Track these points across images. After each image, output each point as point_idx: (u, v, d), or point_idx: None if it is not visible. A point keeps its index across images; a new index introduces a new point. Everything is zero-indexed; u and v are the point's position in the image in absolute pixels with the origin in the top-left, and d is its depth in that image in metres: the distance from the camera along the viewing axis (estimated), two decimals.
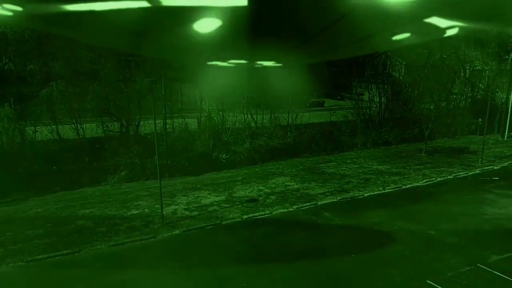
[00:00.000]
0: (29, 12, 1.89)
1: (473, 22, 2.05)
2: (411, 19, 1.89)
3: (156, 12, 1.78)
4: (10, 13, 1.95)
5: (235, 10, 1.70)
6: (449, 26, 2.06)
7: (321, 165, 30.16)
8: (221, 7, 1.69)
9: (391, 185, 25.59)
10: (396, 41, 2.35)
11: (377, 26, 1.96)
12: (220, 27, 1.91)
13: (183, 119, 30.22)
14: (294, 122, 33.99)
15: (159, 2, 1.70)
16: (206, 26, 1.93)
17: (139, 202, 22.06)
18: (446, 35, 2.31)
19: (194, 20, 1.87)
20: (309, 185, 25.35)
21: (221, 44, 2.32)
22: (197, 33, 2.04)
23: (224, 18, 1.84)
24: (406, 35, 2.18)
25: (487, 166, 29.79)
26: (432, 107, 37.27)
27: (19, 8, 1.87)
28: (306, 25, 1.95)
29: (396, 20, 1.87)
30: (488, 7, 1.84)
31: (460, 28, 2.16)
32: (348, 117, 38.21)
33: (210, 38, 2.12)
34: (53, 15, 1.93)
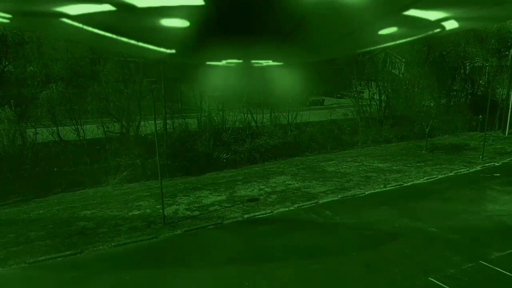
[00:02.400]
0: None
1: (457, 9, 2.02)
2: (387, 13, 1.88)
3: (122, 14, 1.77)
4: None
5: (193, 9, 1.69)
6: (439, 18, 2.05)
7: (322, 163, 30.15)
8: (179, 6, 1.68)
9: (392, 182, 25.58)
10: (386, 36, 2.33)
11: (353, 22, 1.95)
12: (184, 26, 1.90)
13: (183, 119, 30.25)
14: (294, 121, 33.97)
15: (124, 4, 1.69)
16: (168, 25, 1.93)
17: (140, 203, 22.10)
18: (442, 29, 2.26)
19: (155, 19, 1.86)
20: (309, 183, 25.35)
21: (189, 43, 2.31)
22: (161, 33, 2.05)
23: (185, 17, 1.83)
24: (392, 29, 2.17)
25: (488, 162, 29.75)
26: (432, 104, 37.23)
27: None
28: (275, 23, 1.93)
29: (373, 14, 1.86)
30: None
31: (453, 19, 2.13)
32: (348, 115, 38.19)
33: (176, 37, 2.12)
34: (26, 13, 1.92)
